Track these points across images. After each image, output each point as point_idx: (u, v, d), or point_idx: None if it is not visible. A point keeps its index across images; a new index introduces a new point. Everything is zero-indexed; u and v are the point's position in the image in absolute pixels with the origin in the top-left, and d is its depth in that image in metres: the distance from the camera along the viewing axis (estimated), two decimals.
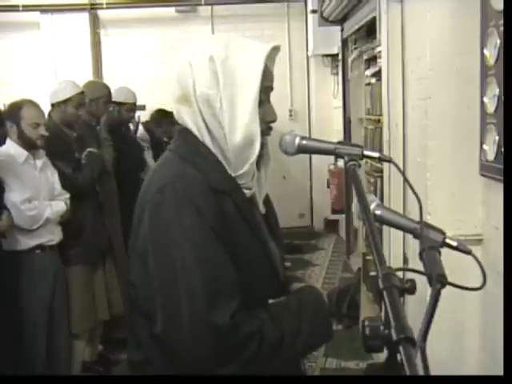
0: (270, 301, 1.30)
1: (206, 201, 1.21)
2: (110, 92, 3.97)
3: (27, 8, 6.94)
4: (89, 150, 3.47)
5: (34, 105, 3.11)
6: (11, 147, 3.06)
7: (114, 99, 4.21)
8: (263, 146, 1.29)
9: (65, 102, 3.40)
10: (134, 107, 4.37)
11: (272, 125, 1.33)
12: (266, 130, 1.30)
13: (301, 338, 1.25)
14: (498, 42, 2.18)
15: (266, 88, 1.28)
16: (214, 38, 1.36)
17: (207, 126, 1.27)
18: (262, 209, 1.39)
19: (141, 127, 4.85)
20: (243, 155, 1.27)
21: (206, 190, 1.22)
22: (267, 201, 1.43)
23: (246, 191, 1.31)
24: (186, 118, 1.30)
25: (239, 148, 1.26)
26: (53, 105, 3.46)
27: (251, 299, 1.23)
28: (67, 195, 3.26)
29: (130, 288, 1.31)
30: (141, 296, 1.28)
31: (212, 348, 1.15)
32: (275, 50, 1.30)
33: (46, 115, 3.45)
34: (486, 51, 2.28)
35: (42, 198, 3.10)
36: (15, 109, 3.07)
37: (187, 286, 1.17)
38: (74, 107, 3.40)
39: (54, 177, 3.23)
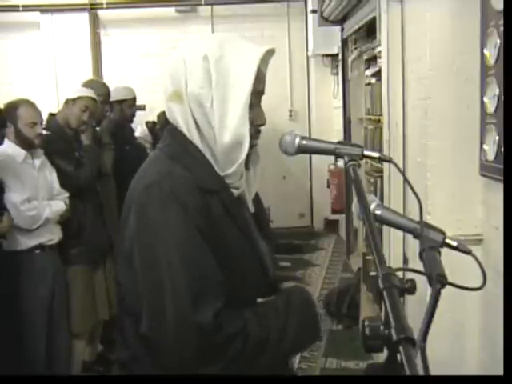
0: (259, 300, 1.31)
1: (193, 200, 1.21)
2: (108, 92, 3.96)
3: (27, 8, 6.95)
4: (85, 144, 3.46)
5: (30, 104, 3.11)
6: (9, 147, 3.06)
7: (113, 99, 4.21)
8: (252, 146, 1.29)
9: (73, 100, 3.38)
10: (134, 103, 4.38)
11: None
12: (254, 133, 1.30)
13: (287, 337, 1.25)
14: (498, 41, 2.18)
15: (257, 92, 1.28)
16: (209, 36, 1.35)
17: (197, 125, 1.27)
18: (251, 208, 1.39)
19: (144, 127, 4.85)
20: (231, 155, 1.27)
21: (194, 188, 1.23)
22: (257, 200, 1.44)
23: (233, 191, 1.31)
24: (177, 116, 1.30)
25: (228, 148, 1.26)
26: (67, 102, 3.44)
27: (239, 298, 1.23)
28: (66, 194, 3.26)
29: (117, 287, 1.32)
30: (127, 295, 1.29)
31: (196, 347, 1.16)
32: (270, 53, 1.30)
33: (48, 115, 3.45)
34: (486, 51, 2.28)
35: (40, 198, 3.10)
36: (12, 109, 3.07)
37: (172, 285, 1.17)
38: (80, 109, 3.38)
39: (52, 176, 3.23)
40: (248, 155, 1.29)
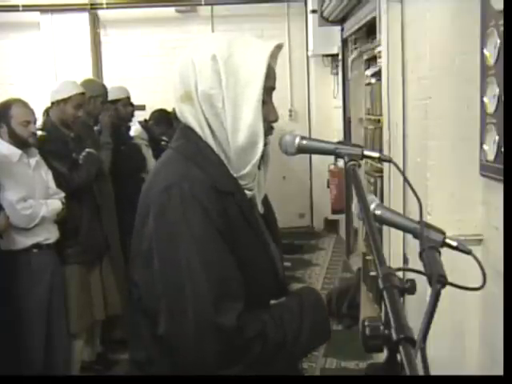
0: (272, 301, 1.30)
1: (211, 202, 1.20)
2: (106, 92, 3.98)
3: (27, 8, 6.93)
4: (87, 150, 3.47)
5: (22, 103, 3.12)
6: (4, 147, 3.06)
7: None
8: (265, 145, 1.28)
9: (65, 101, 3.40)
10: (128, 102, 4.38)
11: (272, 125, 1.33)
12: (268, 129, 1.29)
13: (302, 337, 1.25)
14: (498, 41, 2.18)
15: (268, 88, 1.27)
16: (217, 36, 1.34)
17: (210, 126, 1.26)
18: (260, 209, 1.38)
19: (138, 126, 4.85)
20: (246, 156, 1.26)
21: (211, 190, 1.21)
22: (266, 201, 1.43)
23: (247, 192, 1.30)
24: (189, 117, 1.28)
25: (242, 149, 1.25)
26: (52, 103, 3.46)
27: (253, 300, 1.22)
28: (62, 194, 3.26)
29: (132, 288, 1.30)
30: (144, 296, 1.27)
31: (217, 349, 1.15)
32: (278, 48, 1.29)
33: (45, 114, 3.46)
34: (485, 51, 2.28)
35: (37, 197, 3.11)
36: (4, 108, 3.07)
37: (193, 287, 1.16)
38: (73, 107, 3.41)
39: (48, 176, 3.23)
40: (261, 156, 1.28)
